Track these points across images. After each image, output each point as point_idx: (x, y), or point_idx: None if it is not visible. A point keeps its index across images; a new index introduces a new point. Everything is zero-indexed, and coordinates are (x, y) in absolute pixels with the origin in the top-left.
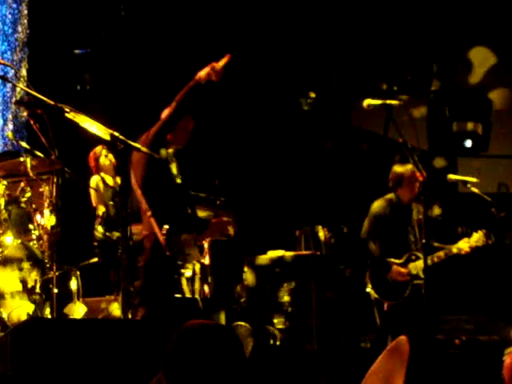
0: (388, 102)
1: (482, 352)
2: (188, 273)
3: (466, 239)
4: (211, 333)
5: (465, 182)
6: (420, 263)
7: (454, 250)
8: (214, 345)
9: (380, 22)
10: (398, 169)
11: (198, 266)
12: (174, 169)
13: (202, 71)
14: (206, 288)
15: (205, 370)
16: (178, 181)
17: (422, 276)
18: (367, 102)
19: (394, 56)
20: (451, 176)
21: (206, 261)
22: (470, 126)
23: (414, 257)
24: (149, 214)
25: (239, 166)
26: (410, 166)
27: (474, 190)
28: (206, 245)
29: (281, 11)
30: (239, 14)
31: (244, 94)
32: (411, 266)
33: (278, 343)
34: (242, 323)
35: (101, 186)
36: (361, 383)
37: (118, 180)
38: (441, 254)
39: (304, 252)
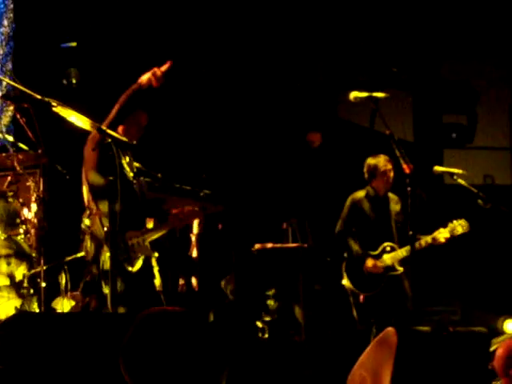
0: (374, 94)
1: (469, 343)
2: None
3: (440, 229)
4: (172, 319)
5: (451, 174)
6: (395, 254)
7: (429, 240)
8: (174, 331)
9: (366, 13)
10: (370, 161)
11: (153, 260)
12: (125, 164)
13: (144, 76)
14: (193, 281)
15: (165, 357)
16: (130, 174)
17: (397, 267)
18: (354, 94)
19: (379, 48)
20: (437, 168)
21: (194, 254)
22: (455, 118)
23: (389, 248)
24: (94, 210)
25: (226, 158)
26: (382, 158)
27: (461, 181)
28: (193, 238)
29: (267, 3)
30: (227, 7)
31: (230, 86)
32: (386, 257)
33: (266, 336)
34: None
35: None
36: (349, 375)
37: None
38: (416, 244)
39: (291, 244)
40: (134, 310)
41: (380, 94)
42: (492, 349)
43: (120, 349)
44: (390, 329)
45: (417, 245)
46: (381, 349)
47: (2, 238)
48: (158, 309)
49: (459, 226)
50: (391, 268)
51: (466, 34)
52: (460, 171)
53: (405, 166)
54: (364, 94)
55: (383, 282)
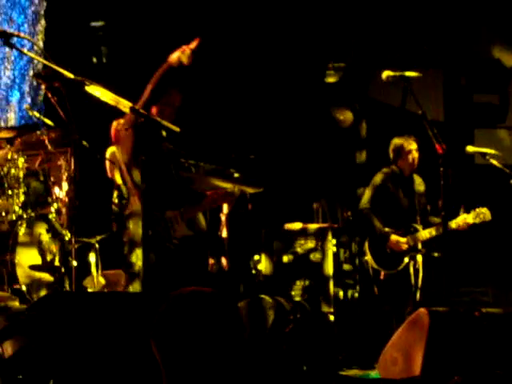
0: (407, 73)
1: (502, 324)
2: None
3: (464, 215)
4: (202, 299)
5: (484, 154)
6: (419, 235)
7: (453, 225)
8: (205, 311)
9: None
10: (396, 140)
11: None
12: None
13: (173, 54)
14: (223, 261)
15: (195, 336)
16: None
17: (420, 248)
18: (386, 73)
19: (410, 26)
20: (470, 148)
21: (224, 234)
22: (486, 97)
23: (412, 229)
24: (134, 192)
25: (256, 139)
26: (408, 138)
27: (493, 161)
28: (223, 218)
29: None
30: None
31: (262, 68)
32: (409, 237)
33: (297, 316)
34: (264, 296)
35: (118, 157)
36: (381, 355)
37: None
38: (432, 231)
39: (323, 224)
40: (166, 287)
41: (412, 74)
42: None
43: (151, 329)
44: (422, 310)
45: (440, 229)
46: (413, 330)
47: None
48: (189, 289)
49: (482, 214)
50: (414, 248)
51: (497, 13)
52: (492, 151)
53: (437, 146)
54: (396, 74)
55: (405, 261)
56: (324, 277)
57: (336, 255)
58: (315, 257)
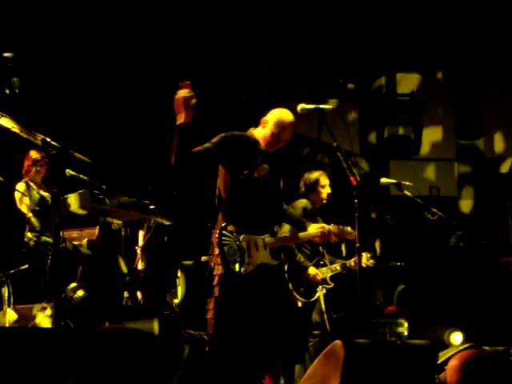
0: (321, 106)
1: (416, 355)
2: None
3: (363, 254)
4: (123, 336)
5: (398, 185)
6: (328, 269)
7: (352, 263)
8: (124, 349)
9: (312, 23)
10: (311, 175)
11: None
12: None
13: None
14: (138, 294)
15: (114, 373)
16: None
17: (329, 282)
18: (301, 106)
19: (325, 58)
20: (384, 179)
21: (139, 266)
22: (401, 129)
23: (322, 262)
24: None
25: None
26: (322, 172)
27: (407, 193)
28: (138, 250)
29: (213, 14)
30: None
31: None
32: (320, 270)
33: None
34: (178, 329)
35: (28, 190)
36: None
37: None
38: (337, 266)
39: None
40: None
41: (327, 106)
42: (440, 361)
43: (71, 366)
44: (338, 341)
45: (338, 267)
46: (328, 361)
47: None
48: (109, 326)
49: (371, 259)
50: (324, 281)
51: (412, 46)
52: (407, 183)
53: (352, 178)
54: (311, 106)
55: (317, 292)
56: None
57: None
58: None
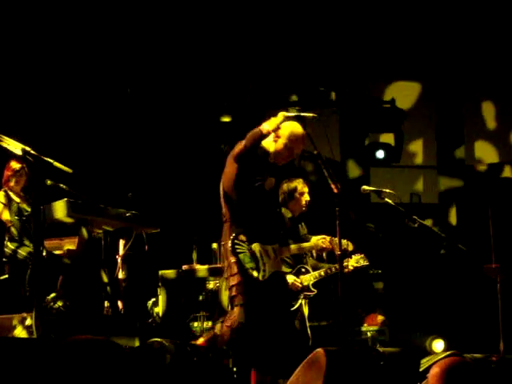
0: (302, 114)
1: (398, 363)
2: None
3: (346, 260)
4: (92, 347)
5: (379, 193)
6: (309, 277)
7: (333, 269)
8: (95, 359)
9: (293, 31)
10: (289, 183)
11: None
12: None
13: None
14: (119, 303)
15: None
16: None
17: (312, 289)
18: (282, 114)
19: (306, 67)
20: (365, 187)
21: (120, 275)
22: (382, 137)
23: (303, 269)
24: (228, 223)
25: (153, 179)
26: (300, 180)
27: (388, 200)
28: (119, 260)
29: (196, 23)
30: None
31: (161, 108)
32: (302, 278)
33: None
34: (158, 339)
35: (8, 200)
36: None
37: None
38: (321, 272)
39: (219, 265)
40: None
41: (308, 114)
42: (421, 369)
43: (39, 377)
44: (320, 350)
45: (322, 272)
46: (310, 370)
47: None
48: (77, 337)
49: (361, 259)
50: (306, 289)
51: (394, 54)
52: (388, 190)
53: (333, 186)
54: (292, 114)
55: (299, 300)
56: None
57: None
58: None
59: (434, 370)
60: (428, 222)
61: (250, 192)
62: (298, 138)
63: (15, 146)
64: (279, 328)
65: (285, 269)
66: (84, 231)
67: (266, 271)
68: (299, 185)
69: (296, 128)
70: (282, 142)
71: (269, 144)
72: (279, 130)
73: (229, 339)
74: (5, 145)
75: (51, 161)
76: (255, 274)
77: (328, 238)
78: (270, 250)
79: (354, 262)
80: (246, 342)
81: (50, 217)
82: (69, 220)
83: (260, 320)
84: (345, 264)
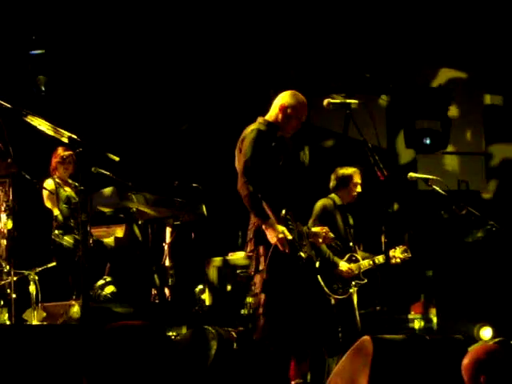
0: (348, 100)
1: (446, 351)
2: None
3: (392, 250)
4: (132, 333)
5: (426, 180)
6: (360, 264)
7: (381, 259)
8: (133, 345)
9: (339, 18)
10: (345, 171)
11: None
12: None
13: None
14: (166, 291)
15: (125, 369)
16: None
17: (362, 277)
18: (327, 100)
19: (352, 54)
20: (412, 174)
21: (167, 263)
22: (429, 123)
23: (354, 257)
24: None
25: (201, 166)
26: (356, 170)
27: (435, 187)
28: (166, 247)
29: (238, 9)
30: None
31: (207, 96)
32: (354, 266)
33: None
34: (206, 326)
35: (56, 188)
36: (326, 383)
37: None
38: (370, 261)
39: None
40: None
41: (353, 101)
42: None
43: (82, 366)
44: (366, 337)
45: (367, 263)
46: (357, 357)
47: None
48: (118, 323)
49: (406, 252)
50: (357, 277)
51: (440, 40)
52: (435, 177)
53: (379, 173)
54: (338, 101)
55: (351, 288)
56: None
57: None
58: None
59: (464, 362)
60: (475, 209)
61: (279, 171)
62: (303, 105)
63: (62, 134)
64: (315, 311)
65: (334, 256)
66: (131, 219)
67: (306, 252)
68: (355, 175)
69: (298, 95)
70: (289, 111)
71: (274, 118)
72: (281, 101)
73: (264, 327)
74: (52, 133)
75: (98, 148)
76: (302, 254)
77: (326, 228)
78: (305, 230)
79: (400, 253)
80: (281, 329)
81: (98, 204)
82: (114, 208)
83: (295, 303)
84: (391, 255)
